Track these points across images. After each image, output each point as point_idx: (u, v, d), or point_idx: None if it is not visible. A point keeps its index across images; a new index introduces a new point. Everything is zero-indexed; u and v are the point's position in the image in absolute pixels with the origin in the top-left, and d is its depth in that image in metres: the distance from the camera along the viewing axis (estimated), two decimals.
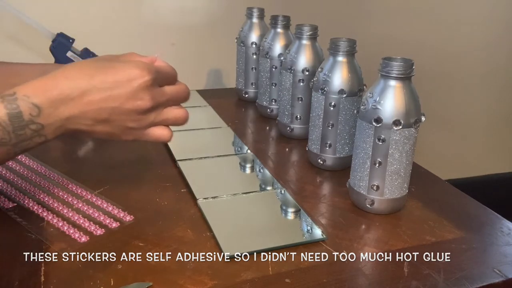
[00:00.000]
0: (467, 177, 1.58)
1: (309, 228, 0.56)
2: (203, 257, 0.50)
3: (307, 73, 0.77)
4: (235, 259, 0.50)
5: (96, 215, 0.56)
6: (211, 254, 0.50)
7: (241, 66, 0.99)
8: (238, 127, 0.87)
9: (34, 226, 0.54)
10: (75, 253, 0.50)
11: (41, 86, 0.44)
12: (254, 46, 0.95)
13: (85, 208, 0.57)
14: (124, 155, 0.74)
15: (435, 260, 0.51)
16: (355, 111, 0.67)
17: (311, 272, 0.49)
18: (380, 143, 0.56)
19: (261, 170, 0.70)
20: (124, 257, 0.49)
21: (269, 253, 0.51)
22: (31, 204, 0.58)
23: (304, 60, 0.77)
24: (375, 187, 0.58)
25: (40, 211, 0.56)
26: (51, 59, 0.82)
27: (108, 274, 0.47)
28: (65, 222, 0.55)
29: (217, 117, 0.90)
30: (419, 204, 0.63)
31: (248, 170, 0.72)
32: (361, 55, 0.70)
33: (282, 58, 0.84)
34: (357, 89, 0.67)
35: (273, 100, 0.90)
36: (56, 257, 0.49)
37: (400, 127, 0.55)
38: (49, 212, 0.56)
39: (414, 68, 0.56)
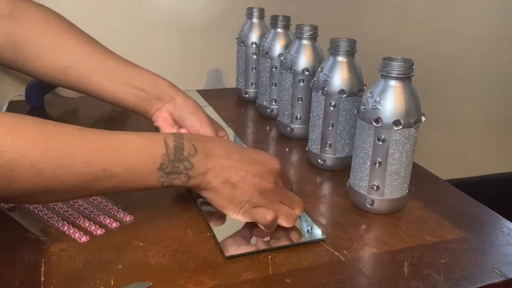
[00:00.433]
0: (467, 177, 1.58)
1: (309, 228, 0.56)
2: (203, 257, 0.50)
3: (307, 73, 0.77)
4: (235, 259, 0.50)
5: (96, 215, 0.56)
6: (211, 254, 0.50)
7: (241, 66, 0.99)
8: (238, 127, 0.87)
9: (34, 226, 0.54)
10: (75, 253, 0.50)
11: (201, 138, 0.54)
12: (254, 46, 0.95)
13: (85, 208, 0.57)
14: None
15: (435, 260, 0.51)
16: (355, 111, 0.67)
17: (311, 272, 0.49)
18: (380, 143, 0.56)
19: None
20: (124, 257, 0.49)
21: (269, 253, 0.51)
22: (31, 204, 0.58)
23: (304, 60, 0.77)
24: (375, 187, 0.58)
25: (40, 211, 0.56)
26: None
27: (108, 274, 0.47)
28: (65, 222, 0.55)
29: (217, 117, 0.90)
30: (419, 204, 0.63)
31: None
32: (361, 55, 0.70)
33: (282, 58, 0.84)
34: (357, 89, 0.67)
35: (273, 100, 0.90)
36: (56, 257, 0.49)
37: (400, 127, 0.55)
38: (49, 212, 0.56)
39: (414, 68, 0.56)
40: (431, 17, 1.37)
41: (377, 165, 0.57)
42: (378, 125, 0.56)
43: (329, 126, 0.69)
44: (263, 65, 0.90)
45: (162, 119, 0.67)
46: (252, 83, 0.99)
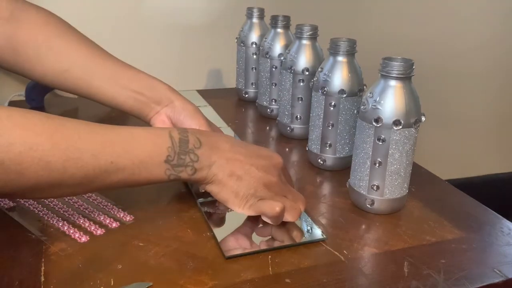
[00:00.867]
0: (467, 177, 1.58)
1: (309, 228, 0.56)
2: (203, 257, 0.50)
3: (307, 73, 0.77)
4: (235, 259, 0.50)
5: (96, 215, 0.56)
6: (211, 254, 0.50)
7: (241, 66, 0.99)
8: (238, 127, 0.87)
9: (34, 226, 0.54)
10: (75, 253, 0.50)
11: (205, 132, 0.55)
12: (254, 46, 0.95)
13: (85, 208, 0.57)
14: None
15: (435, 260, 0.51)
16: (355, 111, 0.67)
17: (311, 272, 0.49)
18: (380, 143, 0.56)
19: None
20: (124, 257, 0.49)
21: (269, 253, 0.51)
22: (31, 204, 0.58)
23: (304, 60, 0.77)
24: (375, 187, 0.58)
25: (40, 211, 0.56)
26: None
27: (108, 274, 0.47)
28: (65, 222, 0.55)
29: (217, 117, 0.90)
30: (419, 204, 0.63)
31: None
32: (361, 55, 0.70)
33: (282, 58, 0.84)
34: (357, 89, 0.67)
35: (273, 100, 0.90)
36: (56, 257, 0.49)
37: (400, 127, 0.55)
38: (49, 212, 0.56)
39: (414, 68, 0.56)
40: (431, 17, 1.37)
41: (377, 165, 0.57)
42: (378, 125, 0.56)
43: (329, 126, 0.69)
44: (263, 65, 0.90)
45: (161, 123, 0.67)
46: (252, 83, 0.99)
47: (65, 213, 0.56)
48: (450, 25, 1.40)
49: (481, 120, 1.56)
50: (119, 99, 0.67)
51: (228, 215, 0.58)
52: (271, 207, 0.53)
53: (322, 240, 0.54)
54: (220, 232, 0.54)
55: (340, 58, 0.67)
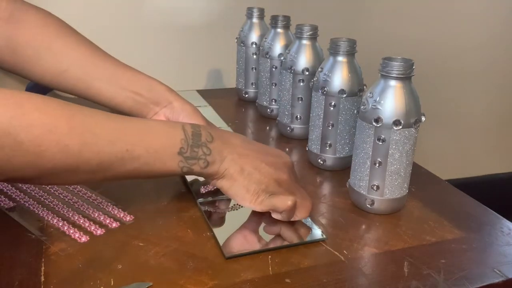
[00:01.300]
0: (467, 177, 1.58)
1: (309, 228, 0.56)
2: (203, 257, 0.50)
3: (307, 73, 0.77)
4: (235, 259, 0.50)
5: (96, 215, 0.56)
6: (211, 254, 0.50)
7: (241, 66, 0.99)
8: (238, 127, 0.87)
9: (34, 226, 0.54)
10: (75, 253, 0.50)
11: (216, 129, 0.56)
12: (254, 46, 0.95)
13: (85, 208, 0.57)
14: None
15: (435, 260, 0.51)
16: (355, 111, 0.67)
17: (311, 272, 0.49)
18: (380, 143, 0.56)
19: None
20: (124, 257, 0.49)
21: (269, 253, 0.51)
22: (31, 204, 0.58)
23: (304, 60, 0.77)
24: (375, 187, 0.58)
25: (40, 211, 0.56)
26: None
27: (108, 274, 0.47)
28: (65, 222, 0.55)
29: (217, 117, 0.90)
30: (419, 204, 0.63)
31: None
32: (361, 55, 0.70)
33: (282, 58, 0.84)
34: (357, 89, 0.67)
35: (273, 100, 0.90)
36: (56, 257, 0.49)
37: (400, 127, 0.55)
38: (49, 212, 0.56)
39: (414, 68, 0.56)
40: (431, 17, 1.37)
41: (377, 165, 0.57)
42: (378, 125, 0.56)
43: (329, 126, 0.69)
44: (263, 65, 0.90)
45: None
46: (252, 83, 0.99)
47: (65, 213, 0.56)
48: (450, 25, 1.40)
49: (481, 120, 1.56)
50: (117, 100, 0.67)
51: (228, 215, 0.58)
52: (283, 202, 0.53)
53: (322, 240, 0.54)
54: (220, 232, 0.54)
55: (340, 58, 0.67)
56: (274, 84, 0.89)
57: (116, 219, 0.56)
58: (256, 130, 0.88)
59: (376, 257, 0.52)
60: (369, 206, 0.59)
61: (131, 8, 1.07)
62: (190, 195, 0.61)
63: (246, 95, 1.00)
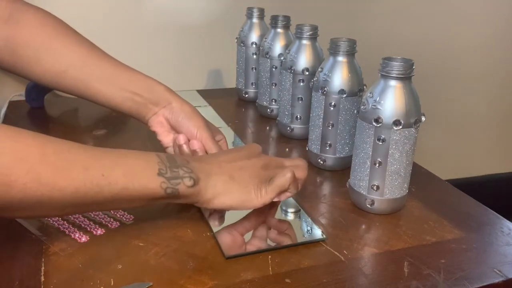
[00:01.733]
0: (467, 177, 1.58)
1: (309, 228, 0.56)
2: (203, 257, 0.50)
3: (307, 73, 0.77)
4: (235, 259, 0.50)
5: (96, 215, 0.56)
6: (211, 254, 0.50)
7: (241, 66, 0.99)
8: (238, 127, 0.87)
9: (34, 226, 0.54)
10: (75, 253, 0.50)
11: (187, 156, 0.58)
12: (254, 46, 0.95)
13: None
14: None
15: (435, 260, 0.51)
16: (355, 111, 0.67)
17: (311, 272, 0.49)
18: (380, 143, 0.56)
19: None
20: (124, 257, 0.49)
21: (269, 253, 0.51)
22: None
23: (304, 60, 0.77)
24: (375, 187, 0.58)
25: None
26: None
27: (108, 274, 0.47)
28: (65, 222, 0.55)
29: (217, 117, 0.90)
30: (419, 204, 0.63)
31: None
32: (361, 55, 0.70)
33: (282, 58, 0.84)
34: (357, 89, 0.67)
35: (273, 100, 0.90)
36: (56, 257, 0.49)
37: (400, 127, 0.55)
38: None
39: (414, 68, 0.56)
40: (431, 17, 1.37)
41: (377, 165, 0.57)
42: (378, 125, 0.56)
43: (329, 126, 0.69)
44: (263, 65, 0.90)
45: (159, 124, 0.67)
46: (252, 83, 0.99)
47: None
48: (450, 25, 1.40)
49: (481, 120, 1.56)
50: (116, 100, 0.67)
51: (228, 215, 0.58)
52: (283, 178, 0.53)
53: (322, 240, 0.54)
54: (220, 232, 0.54)
55: (340, 58, 0.67)
56: (274, 84, 0.89)
57: (116, 219, 0.56)
58: (256, 130, 0.88)
59: (376, 257, 0.52)
60: (369, 206, 0.59)
61: (131, 8, 1.07)
62: None
63: (246, 95, 1.00)
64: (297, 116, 0.80)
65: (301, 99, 0.78)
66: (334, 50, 0.67)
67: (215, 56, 1.17)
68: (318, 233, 0.55)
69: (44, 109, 0.93)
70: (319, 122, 0.69)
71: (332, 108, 0.67)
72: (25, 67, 0.67)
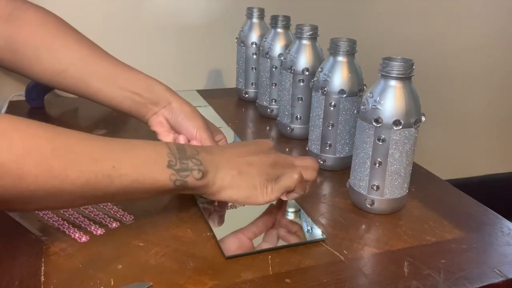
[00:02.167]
0: (467, 177, 1.58)
1: (309, 228, 0.56)
2: (203, 257, 0.50)
3: (307, 73, 0.77)
4: (235, 259, 0.50)
5: (96, 215, 0.56)
6: (211, 254, 0.50)
7: (241, 66, 0.99)
8: (238, 127, 0.87)
9: (34, 226, 0.54)
10: (75, 253, 0.50)
11: (197, 145, 0.55)
12: (254, 46, 0.95)
13: (85, 208, 0.57)
14: None
15: (435, 260, 0.51)
16: (355, 111, 0.67)
17: (311, 272, 0.49)
18: (380, 143, 0.56)
19: None
20: (124, 257, 0.49)
21: (269, 253, 0.51)
22: None
23: (304, 60, 0.77)
24: (375, 187, 0.58)
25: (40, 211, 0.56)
26: None
27: (108, 274, 0.47)
28: (65, 222, 0.55)
29: (217, 117, 0.90)
30: (419, 204, 0.63)
31: None
32: (361, 55, 0.70)
33: (282, 58, 0.84)
34: (357, 89, 0.67)
35: (273, 100, 0.90)
36: (56, 257, 0.49)
37: (400, 127, 0.55)
38: (49, 212, 0.56)
39: (414, 68, 0.56)
40: (431, 17, 1.37)
41: (377, 165, 0.57)
42: (378, 125, 0.56)
43: (329, 126, 0.69)
44: (263, 65, 0.90)
45: (158, 124, 0.67)
46: (252, 83, 0.99)
47: (65, 213, 0.56)
48: (450, 25, 1.40)
49: (481, 120, 1.56)
50: (116, 100, 0.67)
51: (228, 215, 0.58)
52: (290, 178, 0.53)
53: (322, 240, 0.54)
54: (220, 232, 0.54)
55: (340, 58, 0.67)
56: (274, 84, 0.89)
57: (116, 219, 0.56)
58: (256, 130, 0.88)
59: (376, 257, 0.52)
60: (369, 206, 0.59)
61: (131, 8, 1.07)
62: (190, 195, 0.61)
63: (246, 95, 1.00)
64: (297, 116, 0.80)
65: (301, 99, 0.78)
66: (334, 50, 0.67)
67: (215, 56, 1.17)
68: (318, 233, 0.55)
69: (44, 109, 0.93)
70: (319, 122, 0.69)
71: (332, 108, 0.67)
72: (25, 66, 0.67)
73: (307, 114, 0.78)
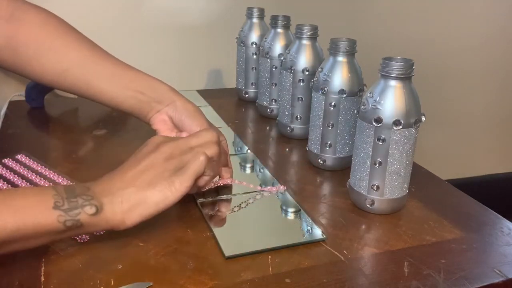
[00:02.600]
0: (467, 177, 1.58)
1: (309, 228, 0.56)
2: (203, 257, 0.50)
3: (307, 73, 0.77)
4: (235, 259, 0.50)
5: None
6: (211, 254, 0.50)
7: (241, 66, 0.99)
8: (238, 127, 0.87)
9: None
10: (75, 253, 0.50)
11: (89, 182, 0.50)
12: (254, 46, 0.95)
13: None
14: (124, 155, 0.74)
15: (435, 260, 0.51)
16: (355, 111, 0.67)
17: (311, 272, 0.49)
18: (380, 143, 0.56)
19: (261, 170, 0.70)
20: (124, 257, 0.49)
21: (269, 253, 0.51)
22: None
23: (304, 60, 0.77)
24: (375, 187, 0.58)
25: None
26: None
27: (108, 274, 0.47)
28: None
29: (217, 117, 0.90)
30: (419, 204, 0.63)
31: (248, 170, 0.72)
32: (361, 55, 0.70)
33: (282, 58, 0.84)
34: (357, 89, 0.67)
35: (273, 100, 0.90)
36: (56, 257, 0.49)
37: (400, 127, 0.55)
38: None
39: (414, 68, 0.56)
40: (431, 17, 1.37)
41: (377, 165, 0.57)
42: (378, 125, 0.56)
43: (329, 126, 0.69)
44: (263, 65, 0.90)
45: (161, 122, 0.66)
46: (252, 83, 0.99)
47: None
48: (450, 25, 1.40)
49: (481, 120, 1.56)
50: (118, 99, 0.67)
51: (228, 215, 0.58)
52: (195, 162, 0.51)
53: (322, 240, 0.54)
54: (220, 232, 0.54)
55: (340, 58, 0.67)
56: (274, 84, 0.89)
57: None
58: (256, 130, 0.88)
59: (376, 257, 0.52)
60: (369, 206, 0.59)
61: (131, 8, 1.07)
62: (190, 195, 0.61)
63: (246, 95, 1.00)
64: (297, 116, 0.80)
65: (301, 99, 0.78)
66: (334, 50, 0.67)
67: (215, 56, 1.17)
68: (318, 233, 0.55)
69: (44, 109, 0.93)
70: (319, 122, 0.69)
71: (332, 108, 0.67)
72: (26, 66, 0.67)
73: (307, 114, 0.78)
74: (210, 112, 0.93)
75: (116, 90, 0.66)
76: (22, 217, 0.43)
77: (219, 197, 0.61)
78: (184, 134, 0.64)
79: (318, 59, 0.77)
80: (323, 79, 0.67)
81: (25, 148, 0.71)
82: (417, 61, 0.57)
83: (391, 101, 0.55)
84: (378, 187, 0.58)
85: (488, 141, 1.60)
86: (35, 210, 0.44)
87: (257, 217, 0.59)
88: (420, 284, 0.47)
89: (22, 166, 0.66)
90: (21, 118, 0.88)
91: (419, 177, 0.69)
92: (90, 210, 0.46)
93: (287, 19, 0.87)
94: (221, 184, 0.61)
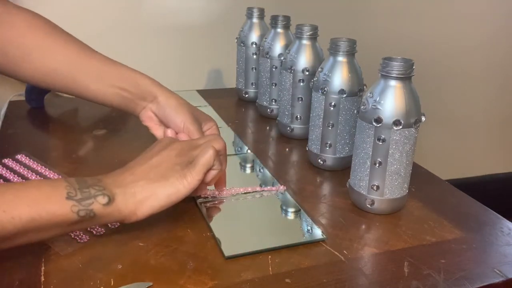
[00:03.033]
0: (467, 177, 1.58)
1: (309, 228, 0.56)
2: (203, 257, 0.50)
3: (307, 73, 0.77)
4: (235, 259, 0.50)
5: None
6: (211, 254, 0.50)
7: (241, 66, 0.99)
8: (238, 127, 0.87)
9: None
10: (75, 253, 0.50)
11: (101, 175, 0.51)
12: (254, 46, 0.95)
13: None
14: (125, 155, 0.74)
15: (435, 260, 0.51)
16: (355, 111, 0.67)
17: (311, 272, 0.49)
18: (380, 143, 0.56)
19: (261, 170, 0.70)
20: (124, 257, 0.49)
21: (269, 253, 0.51)
22: None
23: (304, 60, 0.77)
24: (375, 187, 0.58)
25: None
26: None
27: (108, 274, 0.47)
28: None
29: (217, 117, 0.90)
30: (419, 204, 0.63)
31: (248, 170, 0.72)
32: (361, 55, 0.70)
33: (282, 58, 0.84)
34: (357, 89, 0.67)
35: (273, 100, 0.90)
36: (56, 257, 0.49)
37: (400, 127, 0.55)
38: None
39: (414, 68, 0.56)
40: (431, 17, 1.37)
41: (377, 165, 0.57)
42: (378, 125, 0.56)
43: (329, 126, 0.69)
44: (263, 65, 0.90)
45: (148, 119, 0.67)
46: (252, 83, 0.99)
47: None
48: (450, 25, 1.40)
49: (481, 120, 1.56)
50: (106, 98, 0.67)
51: (228, 215, 0.58)
52: (206, 155, 0.52)
53: (322, 240, 0.54)
54: (220, 232, 0.54)
55: (340, 58, 0.67)
56: (274, 84, 0.89)
57: None
58: (256, 130, 0.88)
59: (376, 257, 0.52)
60: (369, 206, 0.59)
61: (131, 8, 1.07)
62: (190, 195, 0.61)
63: (246, 95, 1.00)
64: (297, 116, 0.80)
65: (301, 99, 0.78)
66: (334, 50, 0.67)
67: (215, 56, 1.17)
68: (318, 233, 0.55)
69: (44, 109, 0.93)
70: (319, 122, 0.69)
71: (332, 108, 0.67)
72: (15, 67, 0.67)
73: (307, 114, 0.78)
74: (210, 112, 0.93)
75: (102, 89, 0.67)
76: (37, 208, 0.44)
77: (219, 197, 0.61)
78: (169, 131, 0.64)
79: (318, 59, 0.77)
80: (323, 79, 0.67)
81: (25, 148, 0.71)
82: (417, 61, 0.57)
83: (391, 101, 0.55)
84: (378, 187, 0.58)
85: (488, 141, 1.60)
86: (49, 201, 0.45)
87: (257, 217, 0.59)
88: (420, 284, 0.47)
89: (22, 166, 0.66)
90: (21, 118, 0.88)
91: (419, 177, 0.69)
92: (102, 199, 0.47)
93: (287, 19, 0.87)
94: (218, 194, 0.61)
